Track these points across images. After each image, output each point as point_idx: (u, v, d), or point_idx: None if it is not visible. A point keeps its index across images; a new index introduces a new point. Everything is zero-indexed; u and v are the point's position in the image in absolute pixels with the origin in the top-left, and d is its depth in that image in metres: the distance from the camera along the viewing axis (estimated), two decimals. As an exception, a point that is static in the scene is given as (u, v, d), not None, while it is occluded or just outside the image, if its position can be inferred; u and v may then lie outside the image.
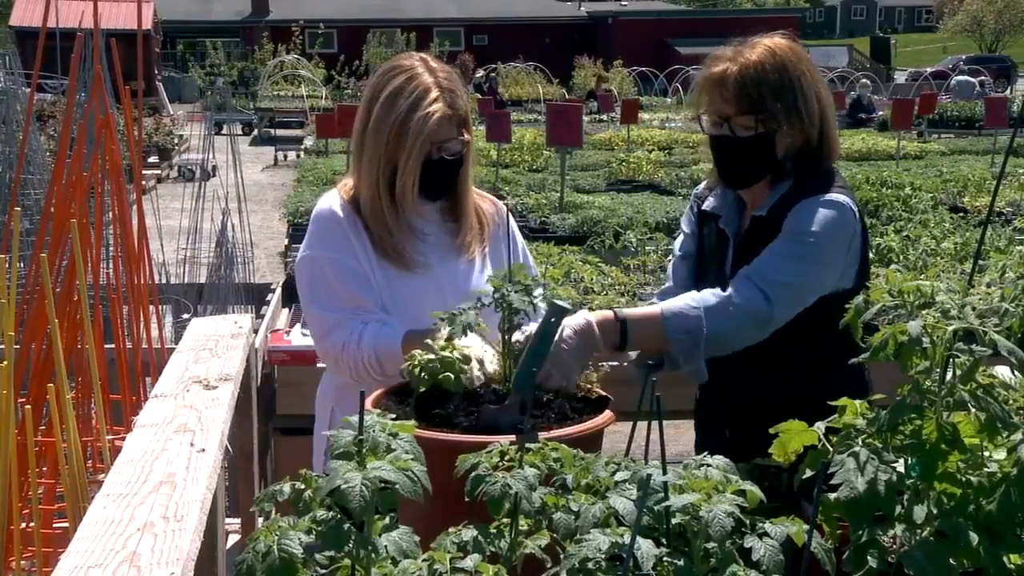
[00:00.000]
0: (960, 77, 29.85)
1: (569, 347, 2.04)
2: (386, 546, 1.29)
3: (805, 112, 2.31)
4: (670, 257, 2.65)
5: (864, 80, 26.81)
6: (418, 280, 2.49)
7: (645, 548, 1.25)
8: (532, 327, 1.99)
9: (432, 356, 1.96)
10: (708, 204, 2.50)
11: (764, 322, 2.21)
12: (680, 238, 2.61)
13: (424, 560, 1.30)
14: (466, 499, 1.41)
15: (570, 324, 2.06)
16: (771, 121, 2.30)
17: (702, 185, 2.62)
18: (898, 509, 1.31)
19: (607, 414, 1.92)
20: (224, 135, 7.44)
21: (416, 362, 1.96)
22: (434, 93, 2.41)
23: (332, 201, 2.55)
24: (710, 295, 2.22)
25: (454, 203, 2.57)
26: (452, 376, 1.94)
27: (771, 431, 1.54)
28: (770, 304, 2.19)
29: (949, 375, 1.35)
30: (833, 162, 2.41)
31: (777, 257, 2.24)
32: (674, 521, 1.30)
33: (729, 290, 2.22)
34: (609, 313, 2.17)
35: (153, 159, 17.60)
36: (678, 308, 2.20)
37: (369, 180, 2.48)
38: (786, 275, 2.22)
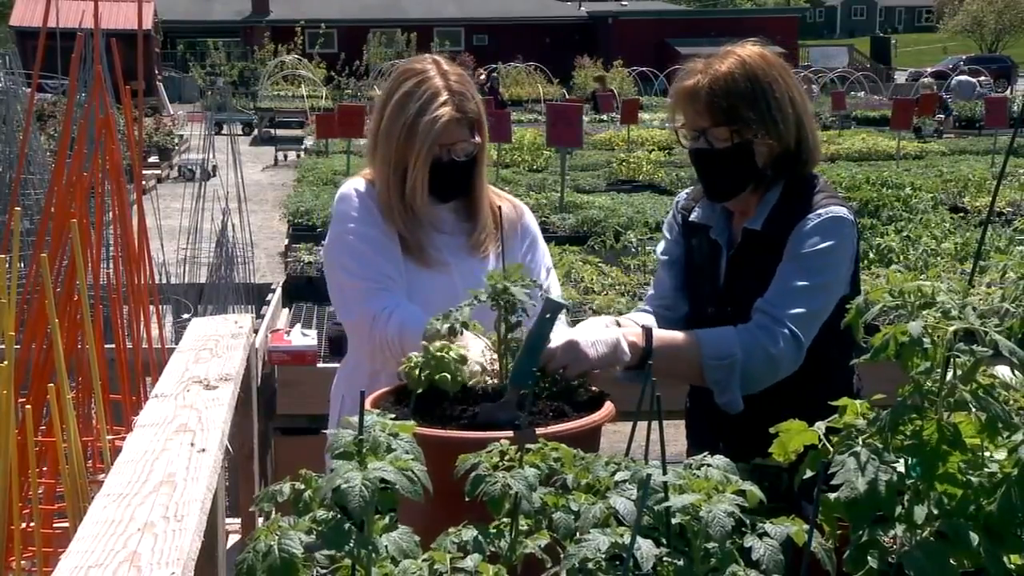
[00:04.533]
0: (960, 77, 29.84)
1: (591, 354, 2.06)
2: (386, 546, 1.29)
3: (780, 119, 2.28)
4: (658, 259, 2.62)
5: (926, 79, 26.67)
6: (434, 277, 2.51)
7: (645, 548, 1.25)
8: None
9: (427, 357, 1.96)
10: (696, 216, 2.47)
11: (796, 356, 2.22)
12: (663, 244, 2.59)
13: (424, 560, 1.30)
14: (466, 499, 1.41)
15: (602, 339, 2.09)
16: (746, 131, 2.28)
17: (684, 194, 2.60)
18: (898, 509, 1.31)
19: (606, 409, 1.91)
20: (224, 135, 7.44)
21: (412, 363, 1.96)
22: (443, 96, 2.43)
23: (357, 184, 2.59)
24: (738, 330, 2.22)
25: (468, 203, 2.59)
26: (448, 376, 1.94)
27: (771, 431, 1.54)
28: (796, 338, 2.21)
29: (949, 375, 1.35)
30: (815, 166, 2.39)
31: (792, 288, 2.24)
32: (674, 521, 1.30)
33: (754, 329, 2.22)
34: (639, 331, 2.19)
35: (153, 159, 17.60)
36: (712, 335, 2.21)
37: (382, 181, 2.52)
38: (806, 304, 2.23)
